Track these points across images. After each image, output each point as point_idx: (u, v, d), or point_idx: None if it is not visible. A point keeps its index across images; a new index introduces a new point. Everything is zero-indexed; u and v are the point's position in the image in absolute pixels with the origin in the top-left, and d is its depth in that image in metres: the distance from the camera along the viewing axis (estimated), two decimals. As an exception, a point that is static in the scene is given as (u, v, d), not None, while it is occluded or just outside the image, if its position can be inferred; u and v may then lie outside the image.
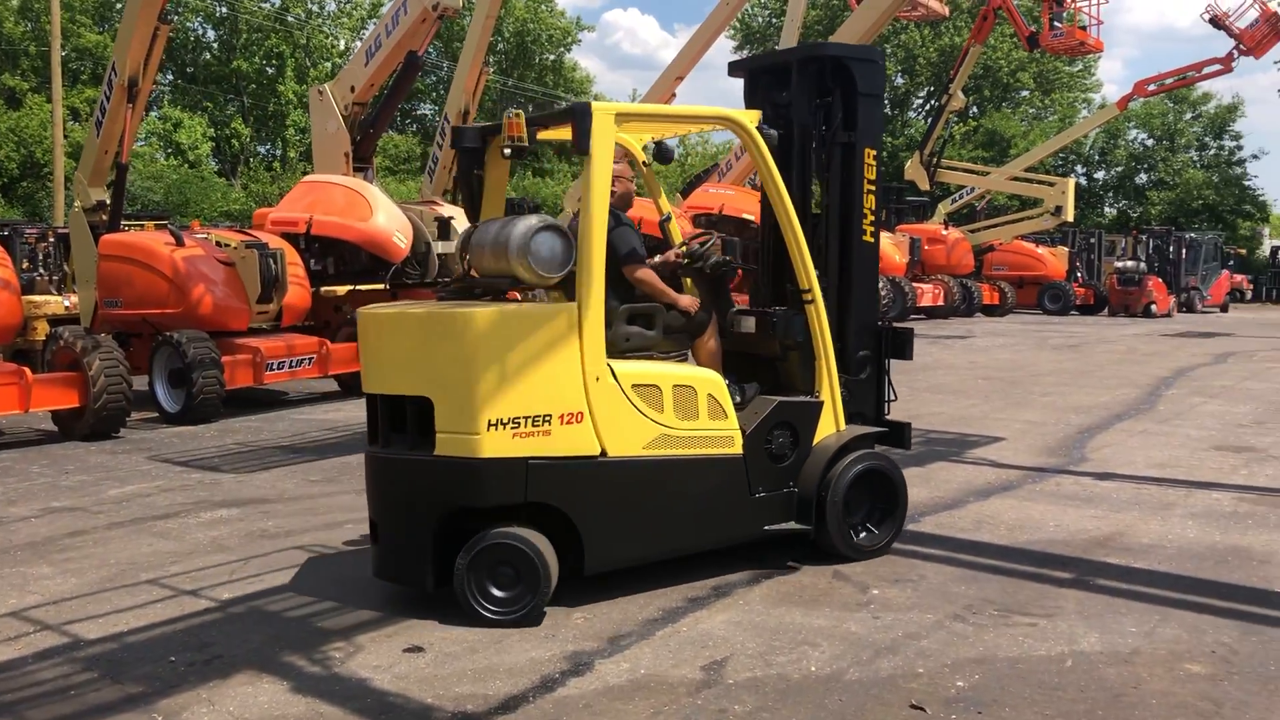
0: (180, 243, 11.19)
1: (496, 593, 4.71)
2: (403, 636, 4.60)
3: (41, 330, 13.08)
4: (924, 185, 27.82)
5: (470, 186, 5.80)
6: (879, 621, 4.76)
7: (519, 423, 4.72)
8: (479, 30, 16.05)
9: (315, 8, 46.89)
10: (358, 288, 13.51)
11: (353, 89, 13.48)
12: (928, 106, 45.19)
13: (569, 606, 4.91)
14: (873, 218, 6.02)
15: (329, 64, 43.42)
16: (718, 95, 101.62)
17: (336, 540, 6.12)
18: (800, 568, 5.51)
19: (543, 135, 5.61)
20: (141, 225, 15.75)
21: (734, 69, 6.41)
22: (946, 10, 24.60)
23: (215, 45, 45.77)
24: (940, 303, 25.13)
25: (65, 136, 31.04)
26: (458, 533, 4.79)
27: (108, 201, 11.71)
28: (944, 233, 26.85)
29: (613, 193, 5.20)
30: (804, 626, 4.70)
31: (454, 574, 4.73)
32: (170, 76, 44.71)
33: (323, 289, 13.16)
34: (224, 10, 44.08)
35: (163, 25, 11.02)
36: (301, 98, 40.91)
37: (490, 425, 4.67)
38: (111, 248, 11.29)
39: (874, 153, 5.99)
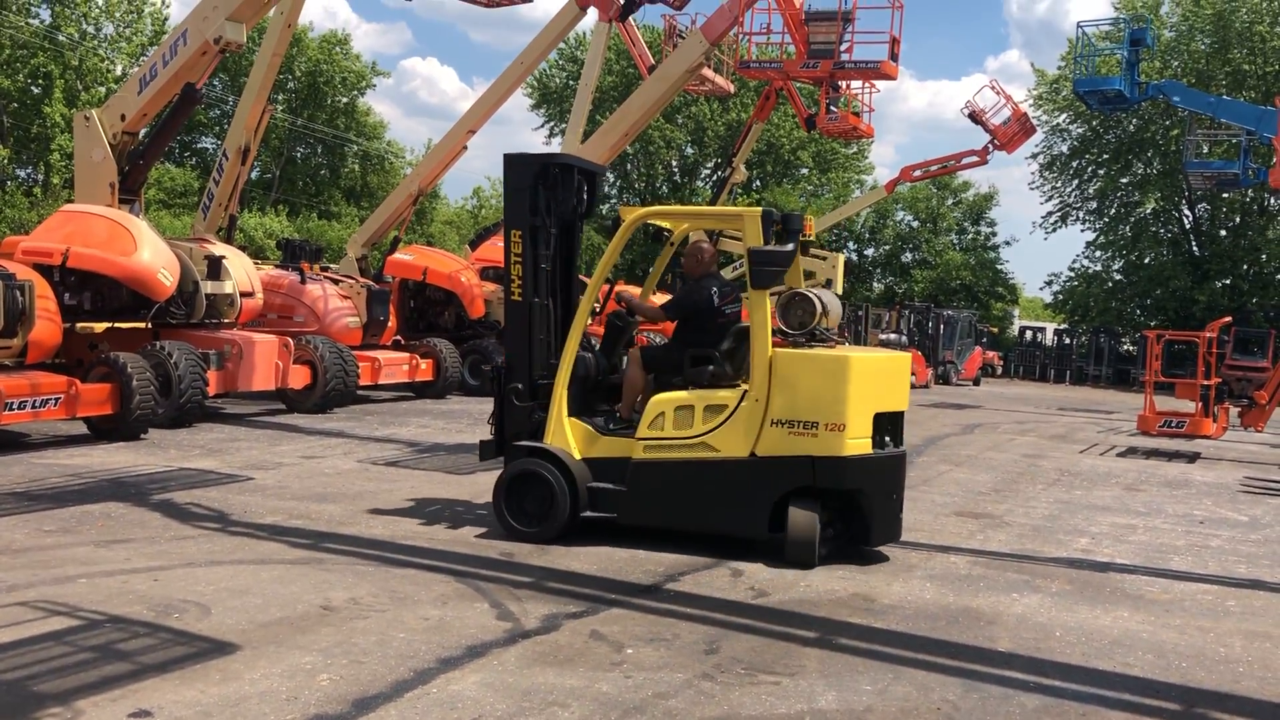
0: None
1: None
2: (129, 700, 4.31)
3: None
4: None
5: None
6: (630, 681, 4.83)
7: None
8: (264, 68, 15.65)
9: (91, 29, 44.42)
10: (117, 326, 12.75)
11: (123, 117, 12.82)
12: (714, 177, 46.87)
13: (312, 667, 4.75)
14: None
15: (102, 89, 41.08)
16: (512, 148, 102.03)
17: (67, 596, 5.70)
18: (560, 626, 5.53)
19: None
20: None
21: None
22: (732, 87, 25.70)
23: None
24: None
25: None
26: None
27: None
28: None
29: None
30: (556, 687, 4.70)
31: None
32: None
33: (78, 325, 12.34)
34: (-14, 22, 41.12)
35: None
36: (70, 121, 38.53)
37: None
38: None
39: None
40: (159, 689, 4.45)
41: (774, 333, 7.32)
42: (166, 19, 45.90)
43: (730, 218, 8.23)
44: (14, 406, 10.18)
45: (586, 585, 6.44)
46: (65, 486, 8.84)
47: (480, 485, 9.61)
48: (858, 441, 7.05)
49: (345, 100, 50.60)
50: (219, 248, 14.19)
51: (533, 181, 7.57)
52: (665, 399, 7.39)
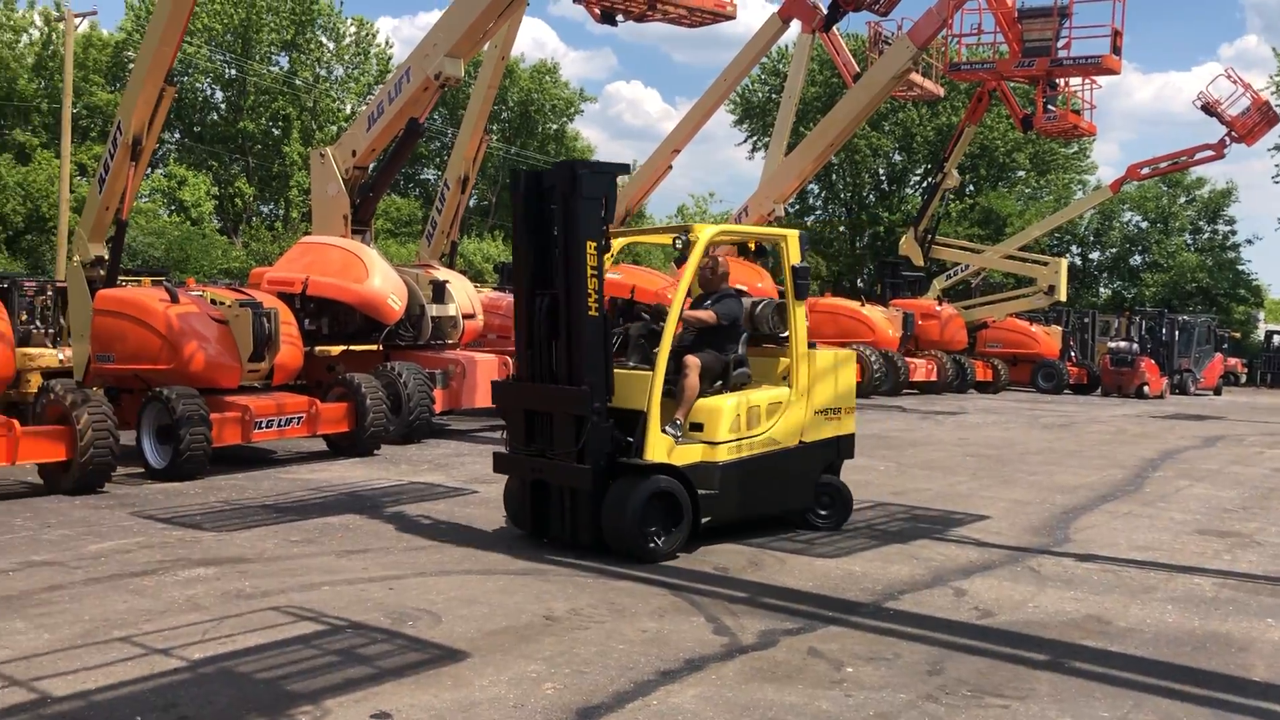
0: (174, 299, 11.26)
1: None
2: (370, 702, 4.57)
3: (35, 383, 13.10)
4: (918, 260, 28.06)
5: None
6: (851, 700, 4.74)
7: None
8: (480, 100, 16.36)
9: (323, 72, 47.64)
10: (351, 348, 13.57)
11: (354, 153, 13.66)
12: (924, 183, 45.71)
13: (537, 676, 4.89)
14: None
15: (334, 127, 43.97)
16: (715, 166, 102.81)
17: (312, 602, 6.10)
18: (778, 642, 5.50)
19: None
20: (139, 281, 15.87)
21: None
22: (942, 91, 25.06)
23: (223, 105, 46.42)
24: (933, 378, 25.21)
25: (71, 192, 31.35)
26: None
27: (106, 257, 11.81)
28: (938, 308, 27.02)
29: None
30: (775, 703, 4.67)
31: None
32: (177, 135, 45.26)
33: (316, 349, 13.22)
34: (232, 73, 44.76)
35: (169, 87, 11.23)
36: (306, 159, 41.41)
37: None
38: (106, 303, 11.36)
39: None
40: (396, 692, 4.69)
41: (755, 337, 8.45)
42: (390, 58, 48.71)
43: (776, 237, 8.47)
44: (262, 425, 10.98)
45: (802, 601, 6.37)
46: (308, 500, 9.46)
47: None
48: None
49: (555, 127, 52.31)
50: (442, 272, 14.88)
51: (608, 190, 7.32)
52: (737, 402, 7.82)
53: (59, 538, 7.73)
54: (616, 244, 8.18)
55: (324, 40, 47.33)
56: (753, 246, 10.22)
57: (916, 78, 22.35)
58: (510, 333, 16.45)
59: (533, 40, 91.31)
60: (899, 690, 4.87)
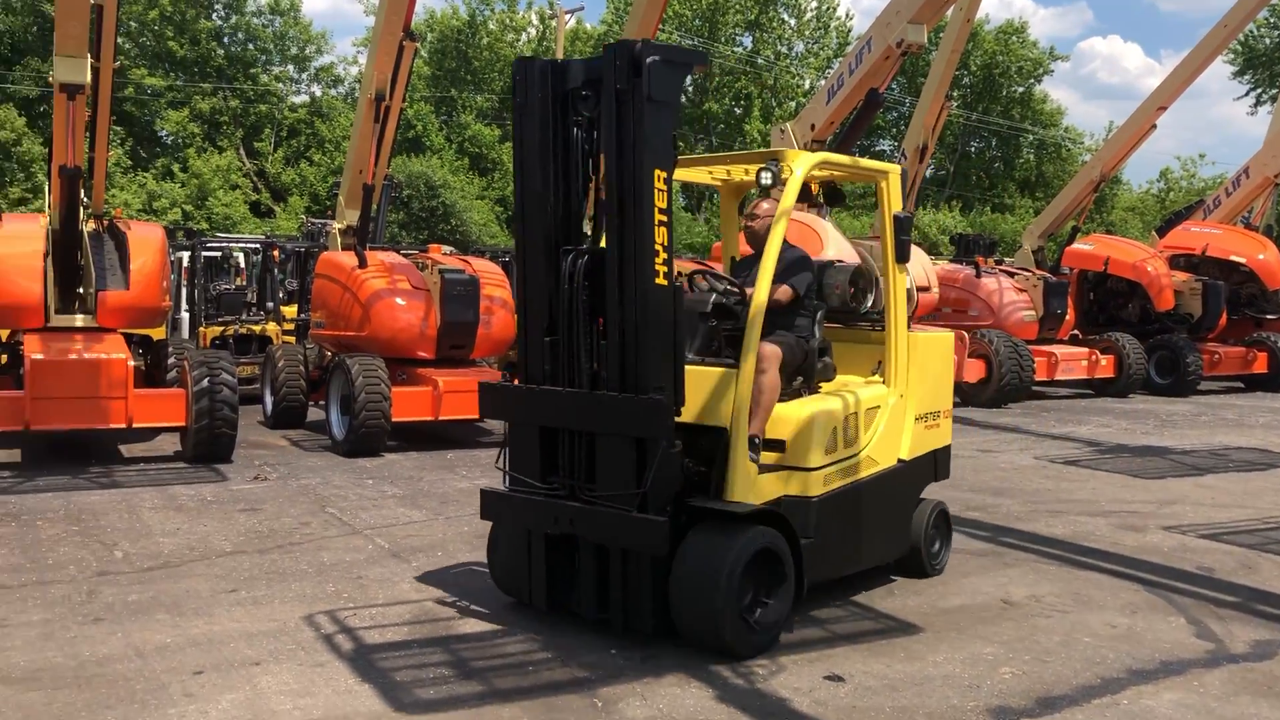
0: (363, 263, 10.67)
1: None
2: (824, 664, 4.67)
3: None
4: None
5: None
6: (1369, 730, 4.12)
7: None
8: (943, 65, 15.94)
9: (784, 49, 48.76)
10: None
11: (813, 126, 13.87)
12: None
13: (994, 659, 4.74)
14: None
15: (793, 103, 44.92)
16: (1207, 125, 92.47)
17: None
18: (1275, 655, 4.90)
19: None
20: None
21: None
22: None
23: (690, 89, 48.95)
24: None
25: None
26: None
27: (355, 226, 11.42)
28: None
29: None
30: (1270, 721, 4.18)
31: None
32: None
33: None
34: (700, 55, 47.06)
35: (409, 41, 10.66)
36: (765, 136, 42.62)
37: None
38: (321, 265, 11.50)
39: None
40: (849, 657, 4.75)
41: (831, 315, 6.10)
42: (850, 30, 48.82)
43: (875, 173, 6.02)
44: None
45: (1306, 613, 5.62)
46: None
47: (1171, 492, 8.87)
48: None
49: (1020, 89, 49.77)
50: (898, 244, 14.71)
51: (678, 90, 4.96)
52: (836, 408, 5.46)
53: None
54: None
55: (785, 18, 48.42)
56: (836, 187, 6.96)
57: None
58: (966, 306, 16.10)
59: (999, 1, 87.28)
60: None
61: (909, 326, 6.00)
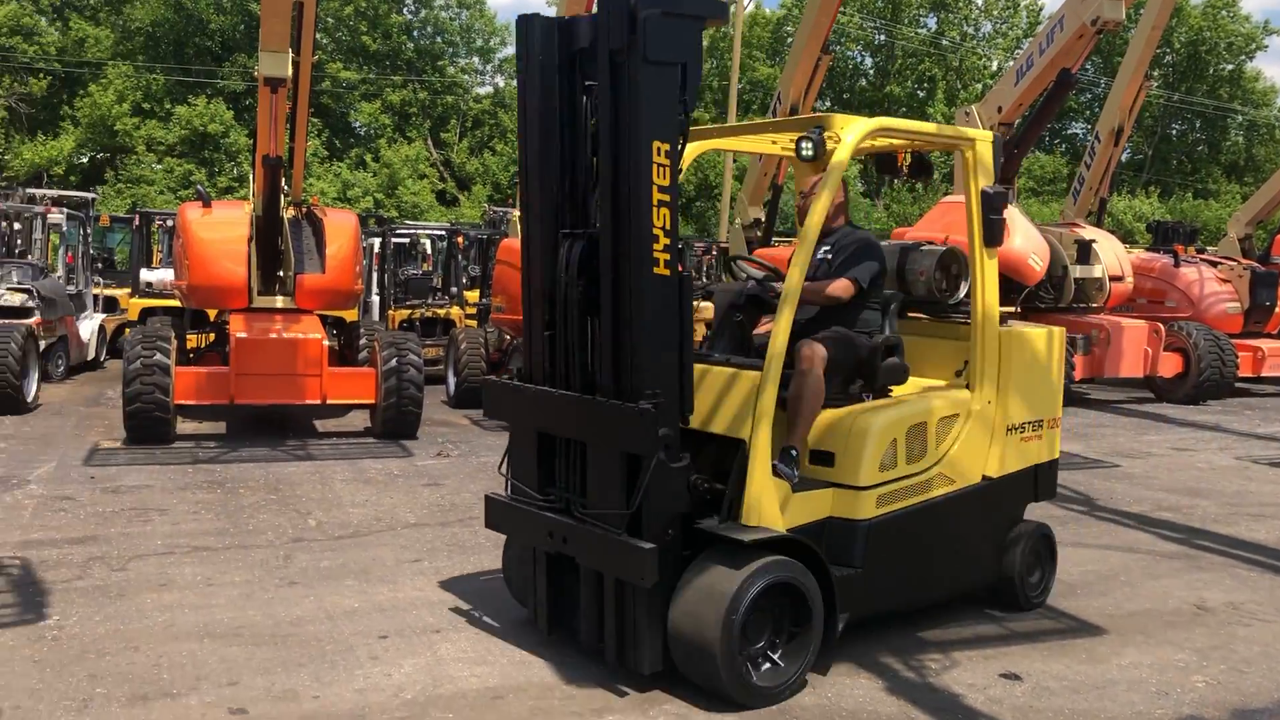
0: None
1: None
2: (1000, 661, 4.53)
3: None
4: None
5: None
6: None
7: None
8: (1142, 43, 15.11)
9: (970, 29, 47.22)
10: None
11: (1000, 109, 13.38)
12: None
13: (1185, 666, 4.49)
14: None
15: (979, 85, 43.47)
16: None
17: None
18: None
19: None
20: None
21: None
22: None
23: (871, 71, 48.02)
24: None
25: (734, 160, 34.56)
26: None
27: (763, 219, 12.90)
28: None
29: None
30: None
31: None
32: (827, 103, 47.74)
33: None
34: (881, 38, 46.06)
35: (825, 55, 11.89)
36: (949, 119, 41.47)
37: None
38: (501, 251, 11.49)
39: None
40: (1028, 656, 4.60)
41: (915, 305, 5.48)
42: (1041, 9, 46.91)
43: (959, 141, 5.13)
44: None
45: None
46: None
47: (1392, 498, 8.20)
48: None
49: (1230, 67, 46.76)
50: (1089, 232, 14.09)
51: (690, 49, 4.08)
52: (894, 418, 4.67)
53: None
54: (692, 149, 5.12)
55: (973, -2, 46.91)
56: (904, 159, 5.74)
57: None
58: (1162, 296, 15.25)
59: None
60: None
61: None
